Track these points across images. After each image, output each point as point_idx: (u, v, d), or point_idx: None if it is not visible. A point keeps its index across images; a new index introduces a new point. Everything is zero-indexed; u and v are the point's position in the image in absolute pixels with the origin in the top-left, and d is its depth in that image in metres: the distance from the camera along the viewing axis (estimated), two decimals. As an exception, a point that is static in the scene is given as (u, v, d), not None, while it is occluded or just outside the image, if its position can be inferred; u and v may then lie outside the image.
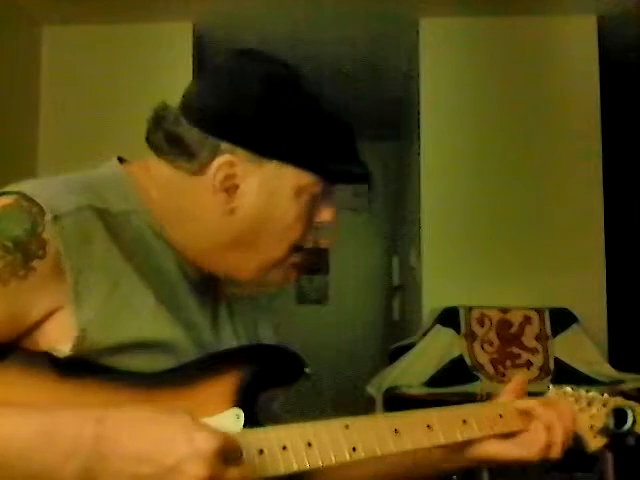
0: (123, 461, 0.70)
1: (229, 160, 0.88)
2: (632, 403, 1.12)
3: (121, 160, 0.97)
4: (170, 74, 3.63)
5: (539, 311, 3.40)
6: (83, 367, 0.82)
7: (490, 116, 3.71)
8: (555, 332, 3.34)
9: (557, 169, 3.65)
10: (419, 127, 3.79)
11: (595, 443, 1.10)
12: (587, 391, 1.13)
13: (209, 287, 0.98)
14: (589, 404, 1.11)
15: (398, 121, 5.00)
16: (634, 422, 1.08)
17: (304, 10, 3.68)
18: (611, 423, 1.09)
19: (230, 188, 0.89)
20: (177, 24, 3.78)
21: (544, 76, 3.70)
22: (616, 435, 1.09)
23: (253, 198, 0.90)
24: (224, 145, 0.88)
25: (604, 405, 1.11)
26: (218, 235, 0.92)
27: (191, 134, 0.88)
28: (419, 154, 3.78)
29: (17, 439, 0.71)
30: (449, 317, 3.38)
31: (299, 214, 0.92)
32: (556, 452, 1.01)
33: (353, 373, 4.93)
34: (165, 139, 0.90)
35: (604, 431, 1.09)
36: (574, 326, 3.33)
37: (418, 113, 3.80)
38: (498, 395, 1.09)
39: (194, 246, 0.93)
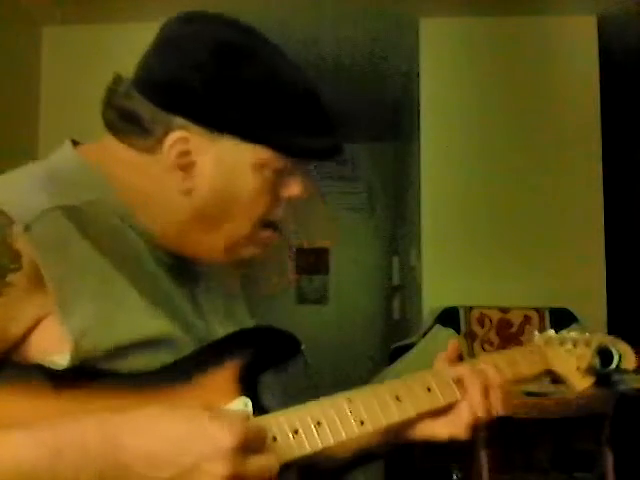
0: (139, 466, 0.67)
1: (182, 136, 0.82)
2: (615, 340, 1.11)
3: (75, 143, 0.91)
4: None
5: (539, 311, 3.40)
6: (80, 375, 0.77)
7: (490, 116, 3.71)
8: (555, 332, 3.33)
9: (557, 169, 3.65)
10: (419, 127, 3.79)
11: (582, 383, 1.09)
12: (569, 332, 1.12)
13: (182, 268, 0.92)
14: (574, 345, 1.10)
15: (398, 121, 4.99)
16: (620, 359, 1.08)
17: (304, 10, 3.68)
18: (597, 363, 1.08)
19: (186, 165, 0.83)
20: (177, 24, 3.77)
21: (544, 76, 3.70)
22: (603, 374, 1.09)
23: (210, 175, 0.84)
24: (177, 120, 0.82)
25: (587, 344, 1.10)
26: (179, 215, 0.86)
27: (143, 108, 0.82)
28: (419, 154, 3.78)
29: (23, 463, 0.67)
30: (449, 317, 3.38)
31: (261, 189, 0.86)
32: (481, 421, 0.94)
33: (353, 373, 4.93)
34: (118, 115, 0.85)
35: (591, 371, 1.09)
36: (574, 326, 3.32)
37: (418, 113, 3.81)
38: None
39: (160, 228, 0.87)
